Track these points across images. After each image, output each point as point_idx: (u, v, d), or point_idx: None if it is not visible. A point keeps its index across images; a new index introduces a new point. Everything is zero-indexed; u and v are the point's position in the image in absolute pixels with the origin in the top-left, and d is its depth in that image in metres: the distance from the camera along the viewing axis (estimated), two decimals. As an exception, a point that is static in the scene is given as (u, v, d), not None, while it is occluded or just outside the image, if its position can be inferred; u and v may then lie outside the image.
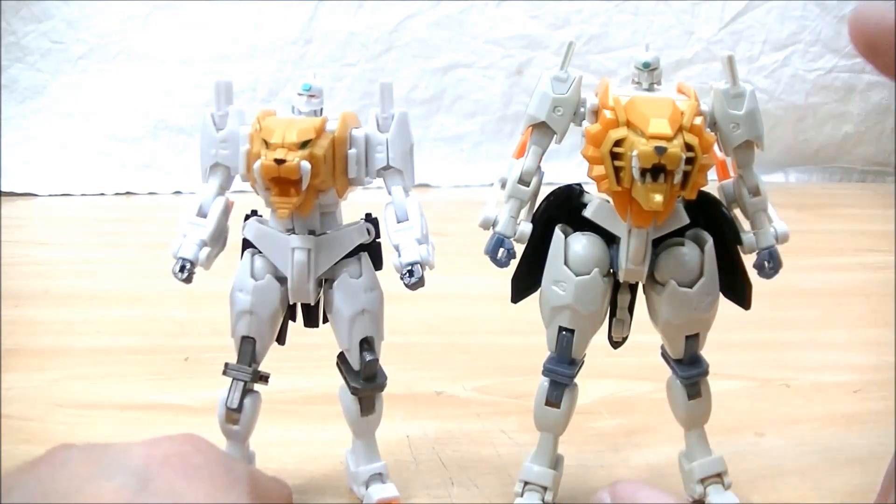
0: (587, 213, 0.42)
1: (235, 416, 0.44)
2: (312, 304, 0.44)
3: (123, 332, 0.72)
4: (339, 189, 0.42)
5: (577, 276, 0.41)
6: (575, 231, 0.42)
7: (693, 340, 0.43)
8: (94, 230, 1.16)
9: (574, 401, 0.44)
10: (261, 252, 0.43)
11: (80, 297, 0.82)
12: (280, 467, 0.48)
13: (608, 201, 0.41)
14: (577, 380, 0.44)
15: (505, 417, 0.56)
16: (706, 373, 0.44)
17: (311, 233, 0.42)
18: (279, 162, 0.38)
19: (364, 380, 0.44)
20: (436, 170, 1.38)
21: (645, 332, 0.44)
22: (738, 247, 0.43)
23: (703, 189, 0.40)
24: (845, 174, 1.56)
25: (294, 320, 0.45)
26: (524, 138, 0.42)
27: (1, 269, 0.88)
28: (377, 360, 0.44)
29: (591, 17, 1.44)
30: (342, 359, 0.45)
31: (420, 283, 0.41)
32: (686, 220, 0.41)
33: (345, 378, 0.45)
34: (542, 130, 0.41)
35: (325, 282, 0.44)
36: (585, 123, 0.41)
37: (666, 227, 0.41)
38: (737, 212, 0.43)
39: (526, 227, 0.42)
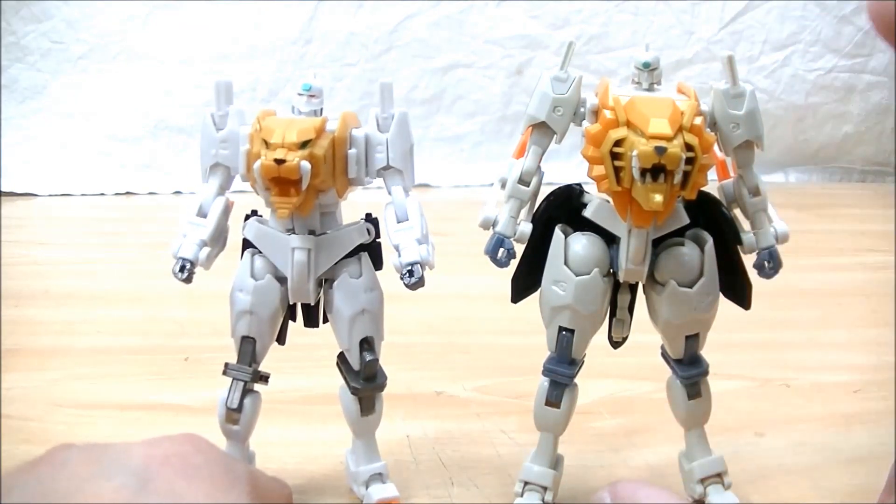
0: (587, 213, 0.42)
1: (235, 416, 0.44)
2: (312, 304, 0.44)
3: (123, 332, 0.72)
4: (339, 189, 0.42)
5: (577, 276, 0.41)
6: (575, 231, 0.42)
7: (693, 340, 0.43)
8: (94, 230, 1.16)
9: (574, 401, 0.44)
10: (261, 252, 0.43)
11: (80, 297, 0.82)
12: (280, 467, 0.48)
13: (608, 201, 0.41)
14: (577, 380, 0.44)
15: (505, 417, 0.56)
16: (706, 373, 0.44)
17: (311, 233, 0.42)
18: (279, 162, 0.38)
19: (364, 380, 0.44)
20: (436, 170, 1.38)
21: (645, 332, 0.44)
22: (738, 247, 0.43)
23: (703, 189, 0.40)
24: (845, 174, 1.56)
25: (294, 320, 0.45)
26: (524, 138, 0.42)
27: (1, 269, 0.88)
28: (377, 360, 0.44)
29: (591, 17, 1.44)
30: (342, 359, 0.45)
31: (420, 283, 0.41)
32: (686, 220, 0.41)
33: (345, 378, 0.45)
34: (542, 130, 0.41)
35: (325, 282, 0.44)
36: (585, 123, 0.41)
37: (666, 227, 0.41)
38: (737, 212, 0.43)
39: (526, 227, 0.42)
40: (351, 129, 0.42)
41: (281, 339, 0.45)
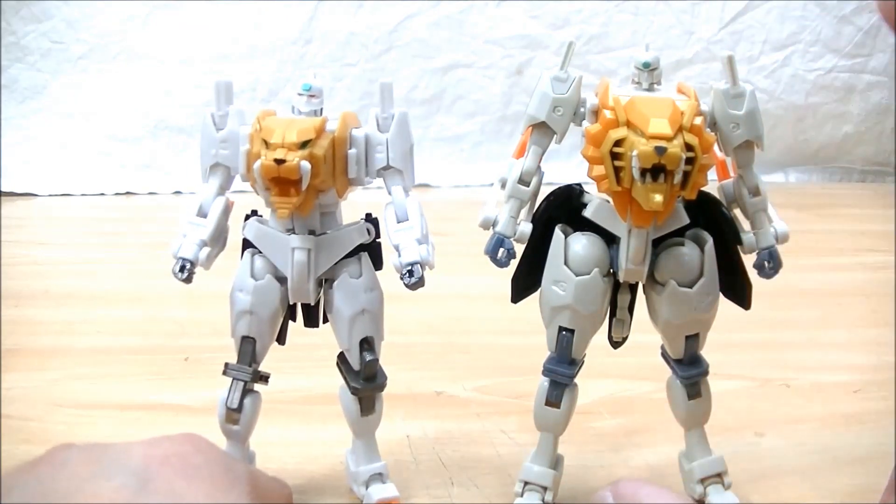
0: (587, 213, 0.42)
1: (235, 416, 0.44)
2: (312, 304, 0.44)
3: (123, 332, 0.72)
4: (339, 189, 0.42)
5: (577, 276, 0.41)
6: (575, 231, 0.42)
7: (693, 340, 0.43)
8: (94, 230, 1.16)
9: (574, 401, 0.44)
10: (261, 252, 0.43)
11: (80, 297, 0.82)
12: (280, 467, 0.48)
13: (608, 201, 0.41)
14: (577, 380, 0.44)
15: (505, 417, 0.56)
16: (706, 373, 0.44)
17: (311, 233, 0.42)
18: (279, 162, 0.38)
19: (364, 380, 0.44)
20: (436, 170, 1.38)
21: (645, 332, 0.44)
22: (738, 247, 0.43)
23: (703, 189, 0.40)
24: (845, 174, 1.56)
25: (294, 320, 0.45)
26: (524, 138, 0.42)
27: (1, 269, 0.88)
28: (377, 360, 0.44)
29: (591, 17, 1.44)
30: (342, 359, 0.44)
31: (420, 283, 0.41)
32: (686, 220, 0.41)
33: (345, 378, 0.45)
34: (542, 130, 0.41)
35: (325, 282, 0.44)
36: (585, 123, 0.41)
37: (666, 227, 0.41)
38: (737, 212, 0.43)
39: (526, 227, 0.42)
40: (351, 129, 0.42)
41: (281, 339, 0.45)
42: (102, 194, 1.33)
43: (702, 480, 0.45)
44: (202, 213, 0.42)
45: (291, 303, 0.44)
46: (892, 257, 0.96)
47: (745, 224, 0.43)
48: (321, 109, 0.42)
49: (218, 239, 0.43)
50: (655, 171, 0.37)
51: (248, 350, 0.43)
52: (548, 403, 0.44)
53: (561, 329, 0.42)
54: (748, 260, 0.43)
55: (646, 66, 0.40)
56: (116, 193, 1.34)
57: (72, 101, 1.39)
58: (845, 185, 1.55)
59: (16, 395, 0.58)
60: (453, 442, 0.53)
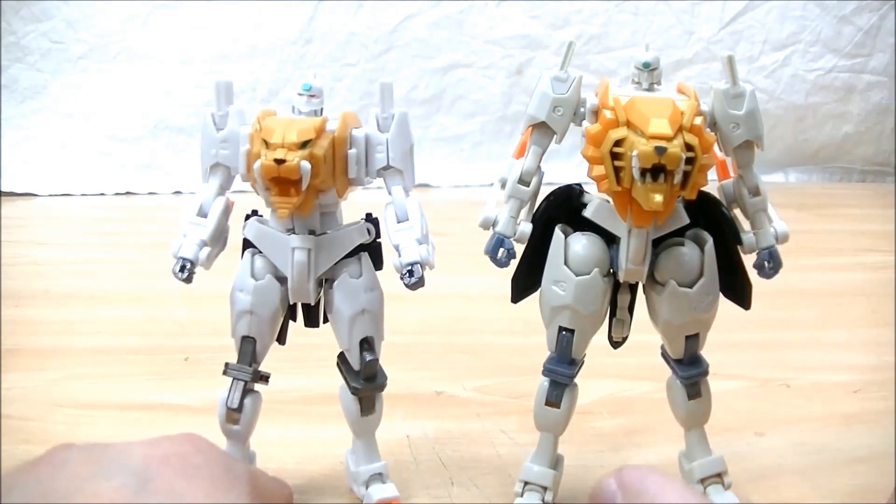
0: (587, 213, 0.42)
1: (236, 416, 0.44)
2: (313, 303, 0.44)
3: (123, 332, 0.72)
4: (340, 189, 0.42)
5: (577, 276, 0.41)
6: (575, 231, 0.42)
7: (693, 340, 0.43)
8: (94, 230, 1.16)
9: (574, 401, 0.44)
10: (261, 252, 0.43)
11: (80, 297, 0.82)
12: (280, 467, 0.48)
13: (608, 201, 0.41)
14: (577, 380, 0.44)
15: (505, 417, 0.56)
16: (706, 373, 0.44)
17: (312, 233, 0.42)
18: (279, 162, 0.38)
19: (364, 380, 0.44)
20: (436, 170, 1.38)
21: (645, 332, 0.44)
22: (738, 247, 0.43)
23: (703, 189, 0.40)
24: (845, 174, 1.56)
25: (294, 320, 0.45)
26: (524, 138, 0.42)
27: (1, 269, 0.88)
28: (377, 360, 0.44)
29: (591, 17, 1.44)
30: (342, 359, 0.44)
31: (420, 283, 0.41)
32: (686, 220, 0.41)
33: (345, 378, 0.45)
34: (542, 130, 0.41)
35: (326, 282, 0.44)
36: (585, 123, 0.41)
37: (666, 227, 0.41)
38: (737, 212, 0.43)
39: (526, 227, 0.42)
40: (351, 129, 0.42)
41: (281, 339, 0.45)
42: (102, 194, 1.33)
43: (702, 480, 0.45)
44: (202, 213, 0.42)
45: (292, 303, 0.44)
46: (892, 257, 0.97)
47: (745, 224, 0.43)
48: (321, 109, 0.42)
49: (218, 239, 0.43)
50: (655, 171, 0.37)
51: (249, 350, 0.43)
52: (548, 403, 0.44)
53: (561, 329, 0.42)
54: (748, 260, 0.43)
55: (646, 66, 0.40)
56: (116, 193, 1.34)
57: (72, 101, 1.39)
58: (845, 185, 1.55)
59: (16, 395, 0.58)
60: (453, 442, 0.53)
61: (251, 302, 0.43)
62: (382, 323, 0.44)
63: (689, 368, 0.44)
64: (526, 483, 0.45)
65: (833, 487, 0.49)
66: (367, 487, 0.45)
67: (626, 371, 0.61)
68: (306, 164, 0.38)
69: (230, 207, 0.43)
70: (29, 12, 1.37)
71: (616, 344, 0.46)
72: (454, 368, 0.65)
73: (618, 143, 0.37)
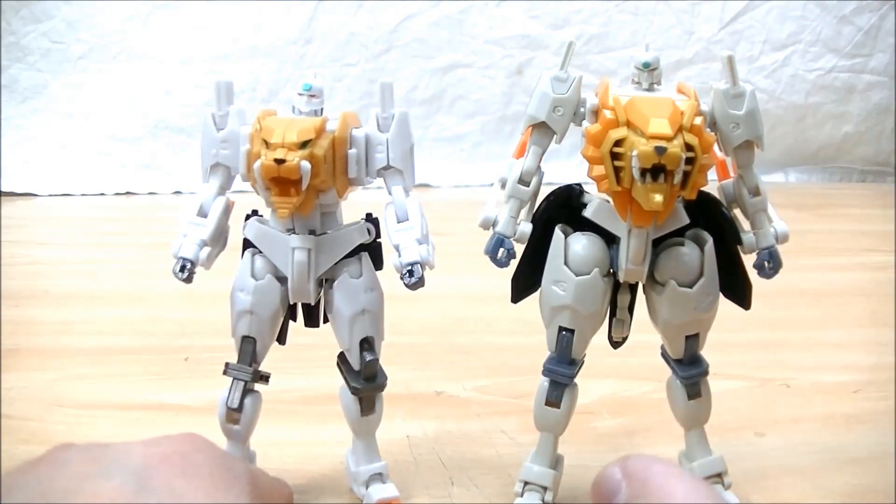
0: (587, 213, 0.42)
1: (236, 416, 0.44)
2: (313, 303, 0.44)
3: (123, 332, 0.72)
4: (340, 189, 0.42)
5: (577, 276, 0.41)
6: (575, 231, 0.42)
7: (693, 340, 0.43)
8: (94, 230, 1.16)
9: (574, 401, 0.44)
10: (261, 252, 0.43)
11: (80, 297, 0.82)
12: (280, 467, 0.47)
13: (608, 201, 0.41)
14: (577, 380, 0.44)
15: (505, 417, 0.56)
16: (706, 373, 0.44)
17: (312, 233, 0.42)
18: (279, 162, 0.38)
19: (364, 380, 0.44)
20: (436, 170, 1.38)
21: (645, 332, 0.44)
22: (738, 247, 0.43)
23: (703, 189, 0.40)
24: (845, 174, 1.57)
25: (295, 320, 0.45)
26: (524, 138, 0.42)
27: (1, 269, 0.88)
28: (377, 359, 0.44)
29: (591, 17, 1.44)
30: (342, 359, 0.44)
31: (420, 283, 0.41)
32: (686, 220, 0.41)
33: (345, 378, 0.45)
34: (542, 130, 0.41)
35: (326, 282, 0.44)
36: (585, 123, 0.41)
37: (666, 227, 0.41)
38: (737, 212, 0.43)
39: (526, 227, 0.42)
40: (351, 129, 0.42)
41: (281, 338, 0.45)
42: (102, 194, 1.33)
43: (702, 480, 0.45)
44: (203, 213, 0.42)
45: (292, 303, 0.44)
46: (892, 257, 0.97)
47: (745, 224, 0.43)
48: (321, 109, 0.42)
49: (218, 239, 0.43)
50: (655, 171, 0.37)
51: (249, 350, 0.43)
52: (548, 403, 0.44)
53: (561, 329, 0.42)
54: (748, 260, 0.43)
55: (646, 66, 0.40)
56: (116, 193, 1.34)
57: (72, 101, 1.39)
58: (845, 185, 1.55)
59: (16, 395, 0.58)
60: (453, 442, 0.53)
61: (251, 302, 0.43)
62: (382, 323, 0.44)
63: (689, 368, 0.44)
64: (526, 483, 0.45)
65: (833, 487, 0.49)
66: (367, 487, 0.45)
67: (626, 371, 0.61)
68: (306, 164, 0.38)
69: (230, 207, 0.43)
70: (29, 12, 1.37)
71: (616, 344, 0.46)
72: (454, 368, 0.65)
73: (618, 143, 0.37)
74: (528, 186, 0.42)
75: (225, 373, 0.44)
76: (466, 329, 0.74)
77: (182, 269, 0.41)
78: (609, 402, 0.59)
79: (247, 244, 0.44)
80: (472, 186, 1.38)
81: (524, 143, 0.42)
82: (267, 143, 0.39)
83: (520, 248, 0.42)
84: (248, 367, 0.43)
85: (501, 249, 0.41)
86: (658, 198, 0.37)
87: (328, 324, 0.45)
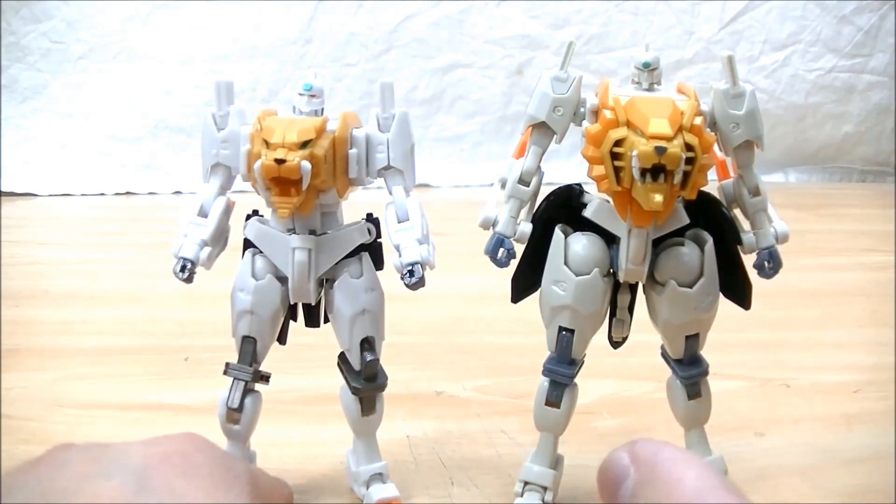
0: (587, 213, 0.42)
1: (236, 416, 0.44)
2: (313, 303, 0.44)
3: (123, 332, 0.72)
4: (340, 189, 0.42)
5: (577, 276, 0.41)
6: (575, 231, 0.42)
7: (693, 340, 0.43)
8: (94, 230, 1.16)
9: (574, 401, 0.44)
10: (262, 252, 0.43)
11: (80, 297, 0.82)
12: (280, 467, 0.47)
13: (608, 201, 0.41)
14: (577, 380, 0.44)
15: (505, 417, 0.56)
16: (706, 373, 0.44)
17: (312, 233, 0.42)
18: (279, 162, 0.38)
19: (365, 380, 0.44)
20: (436, 170, 1.38)
21: (645, 332, 0.44)
22: (738, 247, 0.43)
23: (703, 189, 0.40)
24: (845, 174, 1.57)
25: (295, 320, 0.45)
26: (524, 138, 0.42)
27: (1, 269, 0.88)
28: (378, 360, 0.44)
29: (591, 17, 1.44)
30: (343, 359, 0.44)
31: (420, 283, 0.41)
32: (686, 220, 0.41)
33: (345, 378, 0.45)
34: (542, 130, 0.41)
35: (326, 282, 0.44)
36: (585, 123, 0.41)
37: (666, 227, 0.41)
38: (737, 212, 0.43)
39: (526, 227, 0.42)
40: (351, 129, 0.42)
41: (282, 338, 0.45)
42: (102, 194, 1.33)
43: (702, 480, 0.45)
44: (203, 213, 0.42)
45: (292, 303, 0.44)
46: (892, 257, 0.97)
47: (745, 224, 0.43)
48: (322, 109, 0.42)
49: (219, 239, 0.43)
50: (655, 171, 0.37)
51: (249, 350, 0.43)
52: (548, 403, 0.44)
53: (561, 329, 0.42)
54: (748, 260, 0.43)
55: (646, 66, 0.40)
56: (116, 193, 1.34)
57: (72, 101, 1.39)
58: (845, 185, 1.55)
59: (16, 395, 0.58)
60: (453, 442, 0.53)
61: (252, 302, 0.43)
62: (383, 323, 0.44)
63: (689, 368, 0.44)
64: (526, 483, 0.45)
65: (833, 487, 0.49)
66: (367, 487, 0.45)
67: (626, 371, 0.61)
68: (307, 164, 0.38)
69: (231, 207, 0.43)
70: (29, 12, 1.37)
71: (616, 344, 0.46)
72: (454, 368, 0.65)
73: (618, 143, 0.37)
74: (528, 186, 0.42)
75: (225, 373, 0.44)
76: (466, 329, 0.74)
77: (182, 269, 0.41)
78: (609, 402, 0.59)
79: (247, 244, 0.44)
80: (472, 186, 1.38)
81: (524, 143, 0.42)
82: (267, 143, 0.39)
83: (520, 248, 0.42)
84: (249, 367, 0.43)
85: (501, 249, 0.41)
86: (658, 198, 0.37)
87: (328, 324, 0.45)
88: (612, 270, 0.42)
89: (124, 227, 1.17)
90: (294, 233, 0.42)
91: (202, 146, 0.43)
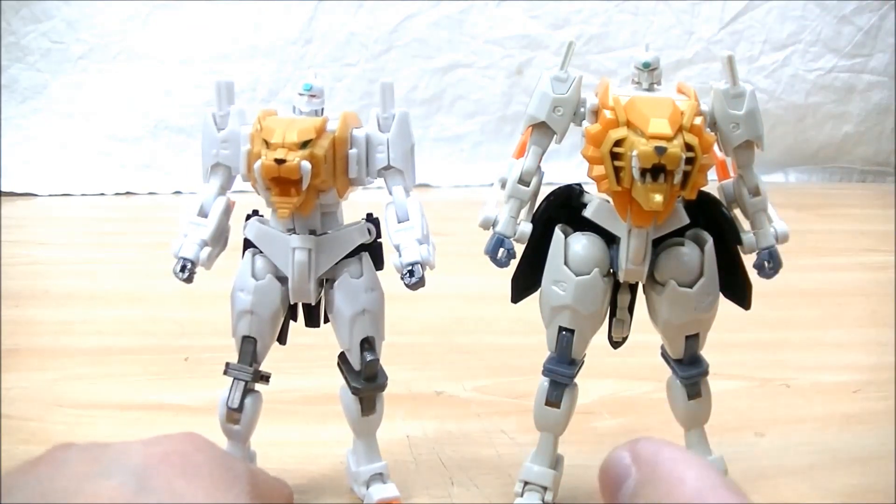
0: (587, 213, 0.42)
1: (236, 416, 0.44)
2: (313, 303, 0.44)
3: (123, 332, 0.72)
4: (340, 189, 0.42)
5: (577, 276, 0.41)
6: (575, 231, 0.42)
7: (693, 340, 0.43)
8: (94, 230, 1.16)
9: (574, 401, 0.44)
10: (262, 252, 0.43)
11: (80, 297, 0.82)
12: (280, 467, 0.47)
13: (608, 201, 0.41)
14: (577, 380, 0.44)
15: (505, 417, 0.56)
16: (706, 373, 0.44)
17: (312, 233, 0.42)
18: (279, 162, 0.38)
19: (365, 380, 0.44)
20: (436, 170, 1.38)
21: (645, 332, 0.44)
22: (738, 247, 0.43)
23: (703, 189, 0.40)
24: (845, 174, 1.57)
25: (295, 320, 0.45)
26: (524, 138, 0.42)
27: (1, 269, 0.88)
28: (378, 360, 0.44)
29: (591, 17, 1.44)
30: (343, 359, 0.44)
31: (420, 283, 0.41)
32: (686, 220, 0.41)
33: (345, 378, 0.45)
34: (542, 130, 0.41)
35: (326, 282, 0.44)
36: (585, 123, 0.41)
37: (666, 227, 0.41)
38: (737, 212, 0.43)
39: (526, 227, 0.42)
40: (352, 129, 0.42)
41: (282, 338, 0.45)
42: (102, 194, 1.33)
43: (702, 480, 0.45)
44: (203, 213, 0.42)
45: (292, 303, 0.44)
46: (892, 257, 0.97)
47: (745, 224, 0.43)
48: (322, 109, 0.42)
49: (219, 239, 0.43)
50: (655, 171, 0.37)
51: (249, 350, 0.43)
52: (548, 403, 0.44)
53: (561, 329, 0.42)
54: (748, 260, 0.43)
55: (646, 66, 0.40)
56: (116, 193, 1.34)
57: (72, 101, 1.39)
58: (845, 185, 1.55)
59: (16, 395, 0.58)
60: (453, 442, 0.53)
61: (252, 302, 0.43)
62: (383, 323, 0.44)
63: (689, 368, 0.44)
64: (526, 483, 0.45)
65: (833, 487, 0.49)
66: (367, 487, 0.45)
67: (626, 371, 0.61)
68: (307, 164, 0.38)
69: (231, 207, 0.43)
70: (29, 12, 1.37)
71: (616, 344, 0.46)
72: (454, 368, 0.65)
73: (618, 143, 0.37)
74: (528, 186, 0.42)
75: (225, 373, 0.44)
76: (466, 329, 0.74)
77: (182, 269, 0.41)
78: (609, 402, 0.59)
79: (247, 244, 0.44)
80: (472, 186, 1.38)
81: (524, 143, 0.42)
82: (267, 143, 0.39)
83: (520, 248, 0.42)
84: (249, 367, 0.43)
85: (501, 249, 0.41)
86: (658, 198, 0.37)
87: (328, 324, 0.45)
88: (612, 270, 0.42)
89: (124, 227, 1.17)
90: (294, 233, 0.42)
91: (202, 146, 0.43)
